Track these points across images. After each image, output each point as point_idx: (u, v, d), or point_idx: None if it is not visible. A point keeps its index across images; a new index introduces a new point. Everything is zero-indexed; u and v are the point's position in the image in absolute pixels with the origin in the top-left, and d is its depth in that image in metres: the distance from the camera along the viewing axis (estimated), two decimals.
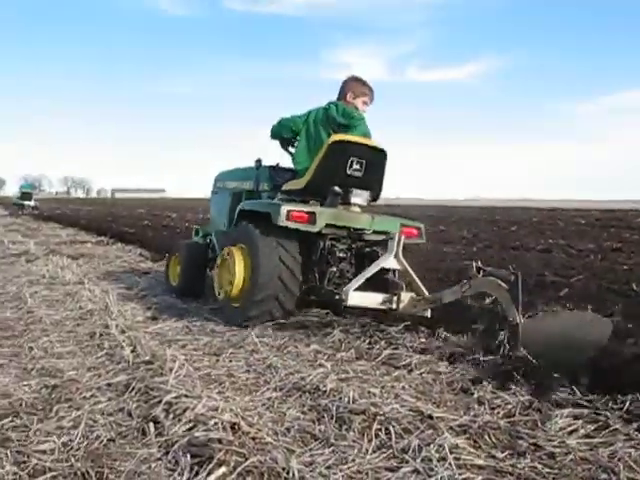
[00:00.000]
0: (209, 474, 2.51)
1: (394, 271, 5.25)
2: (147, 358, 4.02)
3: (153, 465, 2.66)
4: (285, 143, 5.84)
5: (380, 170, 5.56)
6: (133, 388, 3.55)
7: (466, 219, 23.58)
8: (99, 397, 3.46)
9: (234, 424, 2.92)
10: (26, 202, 32.14)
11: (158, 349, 4.23)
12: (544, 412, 3.30)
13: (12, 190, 36.90)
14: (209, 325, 5.24)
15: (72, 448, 2.82)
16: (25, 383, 3.68)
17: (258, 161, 6.11)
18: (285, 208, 4.95)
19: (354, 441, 2.91)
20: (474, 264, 4.64)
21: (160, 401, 3.27)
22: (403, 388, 3.68)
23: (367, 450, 2.81)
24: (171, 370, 3.69)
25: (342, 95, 5.60)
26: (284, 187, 5.59)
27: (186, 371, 3.72)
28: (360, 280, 4.95)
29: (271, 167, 6.06)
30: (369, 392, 3.52)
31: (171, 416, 3.08)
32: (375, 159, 5.47)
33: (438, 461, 2.64)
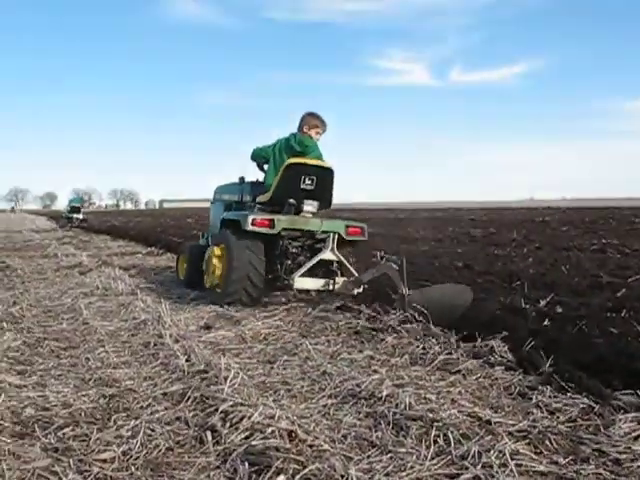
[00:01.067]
0: None
1: (338, 263, 6.67)
2: (202, 367, 4.05)
3: (212, 474, 2.68)
4: (260, 165, 7.37)
5: (329, 184, 6.94)
6: (189, 397, 3.58)
7: (515, 221, 23.32)
8: (156, 406, 3.50)
9: (291, 432, 2.91)
10: (75, 215, 32.95)
11: (212, 358, 4.24)
12: (606, 417, 3.22)
13: (63, 204, 38.69)
14: (262, 333, 5.25)
15: (132, 457, 2.85)
16: (84, 393, 3.74)
17: (241, 178, 7.62)
18: (250, 217, 6.38)
19: (412, 448, 2.88)
20: (379, 254, 7.00)
21: (216, 410, 3.29)
22: (459, 393, 3.64)
23: (426, 457, 2.78)
24: (226, 379, 3.70)
25: (300, 127, 7.03)
26: (257, 199, 7.05)
27: (241, 380, 3.72)
28: (303, 269, 6.47)
29: (252, 183, 7.51)
30: (425, 398, 3.48)
31: (228, 425, 3.09)
32: (324, 176, 6.84)
33: (499, 467, 2.60)
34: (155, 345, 4.81)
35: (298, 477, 2.52)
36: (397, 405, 3.33)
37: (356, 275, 6.51)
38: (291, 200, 6.69)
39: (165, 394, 3.71)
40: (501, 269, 8.59)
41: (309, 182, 6.69)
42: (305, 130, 6.98)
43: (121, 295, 7.34)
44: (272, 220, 6.42)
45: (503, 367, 4.11)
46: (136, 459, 2.83)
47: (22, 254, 14.33)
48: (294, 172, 6.64)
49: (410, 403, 3.33)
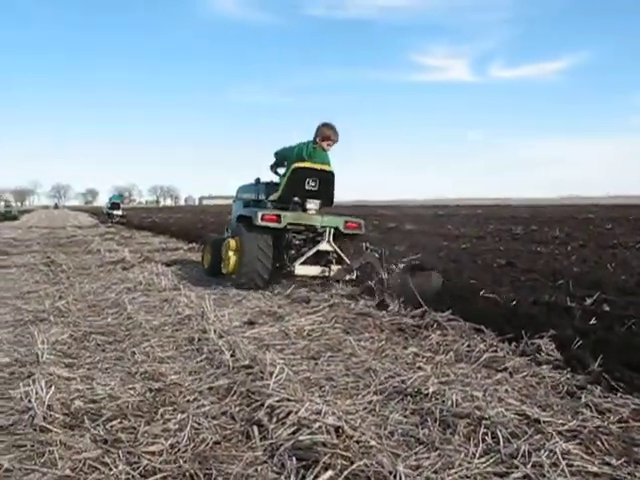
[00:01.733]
0: (316, 477, 2.51)
1: (334, 253, 7.59)
2: (246, 362, 4.07)
3: (259, 468, 2.69)
4: (277, 166, 8.29)
5: (330, 185, 7.84)
6: (235, 392, 3.60)
7: (557, 218, 23.02)
8: (202, 400, 3.53)
9: (338, 428, 2.90)
10: (115, 211, 34.38)
11: (257, 353, 4.26)
12: None
13: (104, 200, 41.06)
14: (305, 329, 5.25)
15: (179, 450, 2.88)
16: (130, 386, 3.78)
17: (257, 179, 8.60)
18: (260, 213, 7.40)
19: (460, 445, 2.86)
20: (364, 245, 7.55)
21: (262, 405, 3.30)
22: (506, 391, 3.60)
23: (474, 454, 2.75)
24: (271, 374, 3.70)
25: (315, 137, 7.85)
26: (269, 198, 8.09)
27: (286, 375, 3.73)
28: (303, 258, 7.47)
29: (266, 183, 8.49)
30: (472, 395, 3.44)
31: (274, 419, 3.10)
32: (326, 178, 7.76)
33: (550, 467, 2.56)
34: (199, 340, 4.84)
35: (346, 473, 2.51)
36: (444, 402, 3.30)
37: (348, 263, 7.41)
38: (295, 199, 7.73)
39: (211, 388, 3.73)
40: (544, 267, 8.48)
41: (313, 184, 7.67)
42: (318, 141, 7.83)
43: (164, 291, 7.41)
44: (279, 216, 7.43)
45: (550, 366, 4.05)
46: (184, 452, 2.86)
47: (66, 250, 14.58)
48: (299, 175, 7.62)
49: (457, 400, 3.30)
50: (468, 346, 4.57)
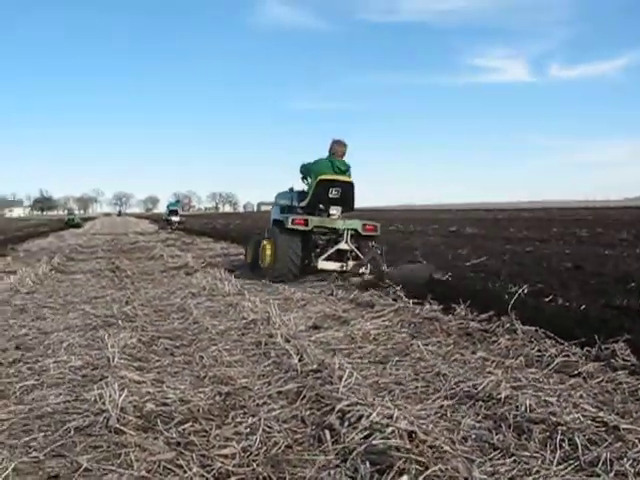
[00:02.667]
0: None
1: (351, 251, 8.92)
2: (314, 366, 4.06)
3: (332, 472, 2.67)
4: (304, 178, 9.55)
5: (351, 194, 9.21)
6: (304, 396, 3.60)
7: (622, 220, 22.48)
8: (272, 404, 3.53)
9: (411, 432, 2.87)
10: (173, 218, 35.36)
11: (324, 357, 4.24)
12: None
13: (164, 207, 43.68)
14: (371, 333, 5.23)
15: (252, 453, 2.88)
16: (200, 390, 3.81)
17: (291, 188, 9.91)
18: (290, 218, 8.85)
19: (536, 451, 2.80)
20: (370, 244, 8.71)
21: (333, 409, 3.28)
22: (581, 397, 3.50)
23: (551, 461, 2.69)
24: (340, 378, 3.69)
25: (330, 152, 9.33)
26: (300, 204, 9.41)
27: (355, 379, 3.71)
28: (325, 255, 8.90)
29: (298, 192, 9.69)
30: (545, 401, 3.36)
31: (346, 424, 3.08)
32: (347, 188, 9.16)
33: (635, 476, 2.47)
34: (266, 344, 4.86)
35: (421, 478, 2.48)
36: (517, 407, 3.23)
37: (362, 258, 8.76)
38: (320, 205, 9.18)
39: (280, 392, 3.74)
40: (613, 270, 8.25)
41: (335, 193, 9.03)
42: (333, 154, 9.30)
43: (228, 295, 7.47)
44: (306, 220, 8.83)
45: (627, 371, 3.93)
46: (256, 455, 2.86)
47: (129, 256, 14.87)
48: (324, 185, 9.03)
49: (530, 406, 3.23)
50: (538, 350, 4.48)
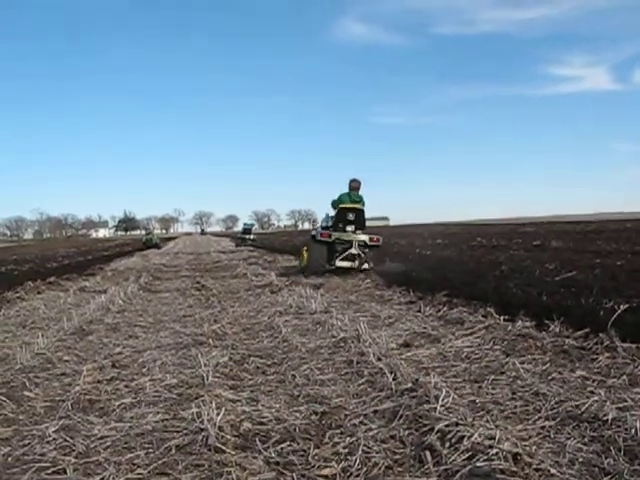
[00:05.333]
0: None
1: (359, 254, 12.63)
2: (409, 385, 4.00)
3: None
4: (334, 207, 13.24)
5: (362, 217, 12.96)
6: (401, 415, 3.55)
7: None
8: (369, 424, 3.50)
9: (515, 454, 2.79)
10: (246, 236, 40.07)
11: (418, 376, 4.18)
12: None
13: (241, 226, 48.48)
14: (464, 351, 5.13)
15: (352, 474, 2.86)
16: (295, 409, 3.82)
17: (327, 214, 13.81)
18: (319, 232, 12.97)
19: None
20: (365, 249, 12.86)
21: (432, 429, 3.23)
22: None
23: None
24: (437, 398, 3.62)
25: (349, 187, 13.14)
26: (329, 224, 13.28)
27: (452, 399, 3.63)
28: (340, 257, 12.63)
29: (331, 217, 13.42)
30: None
31: (447, 444, 3.02)
32: (359, 213, 12.88)
33: None
34: (358, 363, 4.83)
35: None
36: (626, 430, 3.10)
37: (365, 259, 12.70)
38: (340, 225, 12.86)
39: (376, 412, 3.70)
40: None
41: (351, 216, 12.85)
42: (351, 189, 13.14)
43: (315, 313, 7.48)
44: (330, 234, 12.80)
45: None
46: (357, 476, 2.84)
47: (214, 274, 15.11)
48: (343, 211, 12.91)
49: None
50: None
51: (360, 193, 13.19)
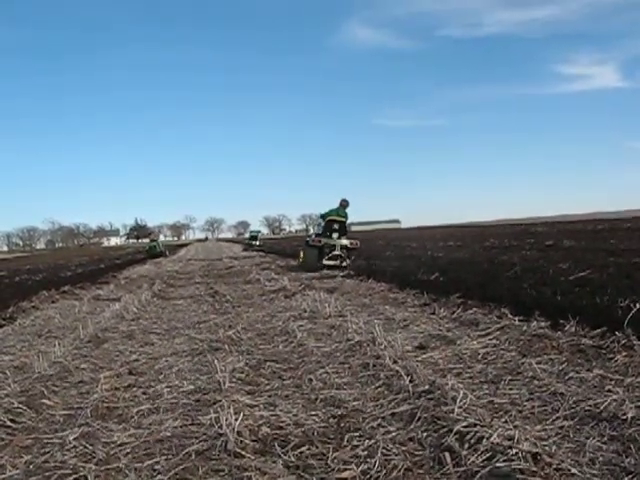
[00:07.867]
0: None
1: (340, 255, 16.39)
2: (426, 387, 4.01)
3: None
4: (323, 219, 17.02)
5: (344, 226, 16.90)
6: (419, 417, 3.55)
7: None
8: (387, 427, 3.50)
9: (535, 454, 2.78)
10: (253, 242, 46.39)
11: (434, 378, 4.19)
12: None
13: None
14: (479, 353, 5.12)
15: (372, 477, 2.87)
16: (312, 413, 3.83)
17: (318, 223, 17.80)
18: (312, 239, 17.22)
19: None
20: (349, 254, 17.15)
21: (450, 430, 3.23)
22: None
23: None
24: (454, 399, 3.63)
25: (340, 204, 16.90)
26: (320, 232, 17.08)
27: (469, 400, 3.63)
28: (327, 257, 16.42)
29: (321, 225, 17.08)
30: None
31: (466, 445, 3.02)
32: (342, 224, 16.79)
33: None
34: (374, 366, 4.84)
35: None
36: None
37: (345, 259, 16.20)
38: (327, 233, 16.44)
39: (394, 414, 3.71)
40: None
41: (336, 226, 16.53)
42: (340, 205, 16.82)
43: (329, 317, 7.49)
44: (320, 240, 16.43)
45: None
46: (376, 479, 2.84)
47: (227, 280, 15.14)
48: (330, 222, 16.56)
49: None
50: None
51: (347, 210, 17.07)
